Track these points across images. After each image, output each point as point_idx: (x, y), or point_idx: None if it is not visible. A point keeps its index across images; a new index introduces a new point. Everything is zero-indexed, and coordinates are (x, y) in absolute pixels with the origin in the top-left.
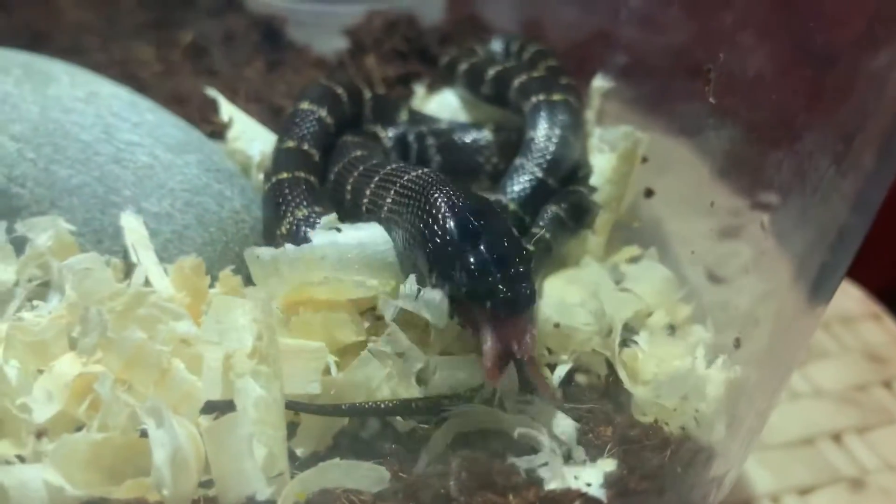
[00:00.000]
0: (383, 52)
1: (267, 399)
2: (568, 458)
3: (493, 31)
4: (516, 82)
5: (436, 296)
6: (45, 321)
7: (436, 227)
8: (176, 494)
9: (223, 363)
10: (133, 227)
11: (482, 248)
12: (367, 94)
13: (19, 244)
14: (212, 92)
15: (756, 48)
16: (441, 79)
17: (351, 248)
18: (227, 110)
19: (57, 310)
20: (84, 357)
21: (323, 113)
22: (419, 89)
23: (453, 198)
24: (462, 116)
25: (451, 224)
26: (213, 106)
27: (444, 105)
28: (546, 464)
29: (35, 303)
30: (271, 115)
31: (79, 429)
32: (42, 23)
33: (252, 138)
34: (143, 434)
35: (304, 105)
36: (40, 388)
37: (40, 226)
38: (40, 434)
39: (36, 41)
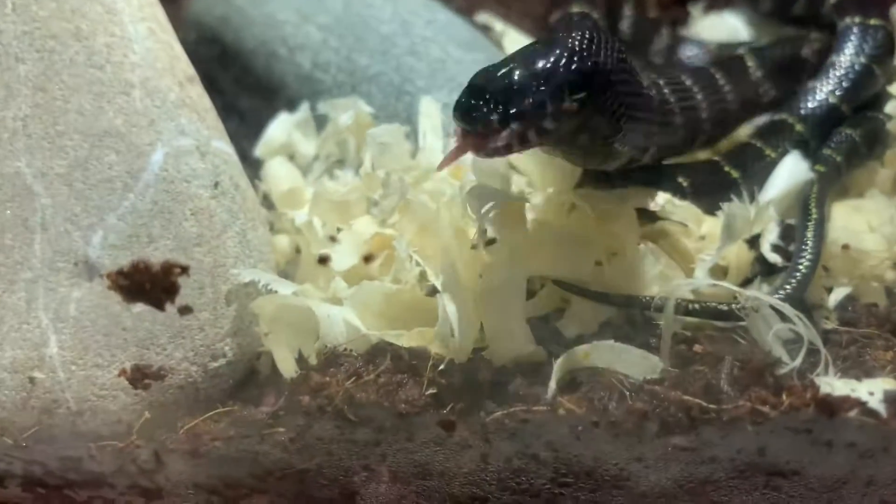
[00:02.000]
0: None
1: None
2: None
3: None
4: (832, 0)
5: None
6: (344, 189)
7: None
8: (459, 346)
9: None
10: (429, 112)
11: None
12: (628, 12)
13: (321, 123)
14: (482, 17)
15: None
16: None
17: None
18: (499, 26)
19: (354, 180)
20: (380, 218)
21: (596, 15)
22: (695, 11)
23: None
24: (743, 37)
25: None
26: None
27: (717, 27)
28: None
29: (335, 172)
30: (539, 29)
31: None
32: None
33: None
34: (430, 293)
35: (577, 8)
36: (341, 242)
37: (341, 106)
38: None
39: None
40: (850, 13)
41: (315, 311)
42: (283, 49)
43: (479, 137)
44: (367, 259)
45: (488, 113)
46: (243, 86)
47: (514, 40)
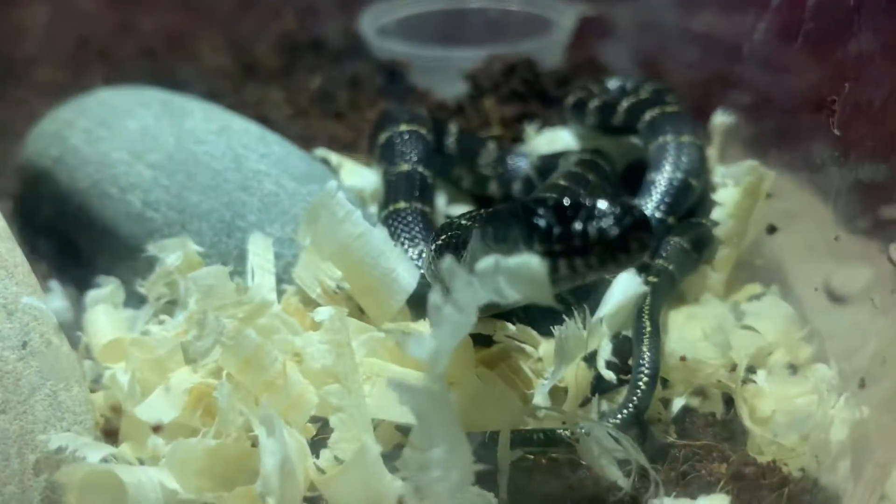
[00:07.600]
0: (501, 95)
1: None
2: None
3: (610, 74)
4: (648, 116)
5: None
6: (169, 335)
7: None
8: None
9: None
10: (258, 250)
11: None
12: (454, 129)
13: (150, 264)
14: (320, 151)
15: (884, 77)
16: (565, 117)
17: None
18: (336, 159)
19: (180, 324)
20: (199, 362)
21: (424, 131)
22: (529, 128)
23: None
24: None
25: None
26: (334, 147)
27: (554, 141)
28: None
29: (162, 317)
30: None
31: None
32: (183, 68)
33: (363, 177)
34: (256, 444)
35: (405, 126)
36: (157, 396)
37: (170, 247)
38: (156, 429)
39: (177, 84)
40: (661, 132)
41: (123, 479)
42: (115, 188)
43: None
44: (156, 429)
45: None
46: (78, 226)
47: (352, 171)
